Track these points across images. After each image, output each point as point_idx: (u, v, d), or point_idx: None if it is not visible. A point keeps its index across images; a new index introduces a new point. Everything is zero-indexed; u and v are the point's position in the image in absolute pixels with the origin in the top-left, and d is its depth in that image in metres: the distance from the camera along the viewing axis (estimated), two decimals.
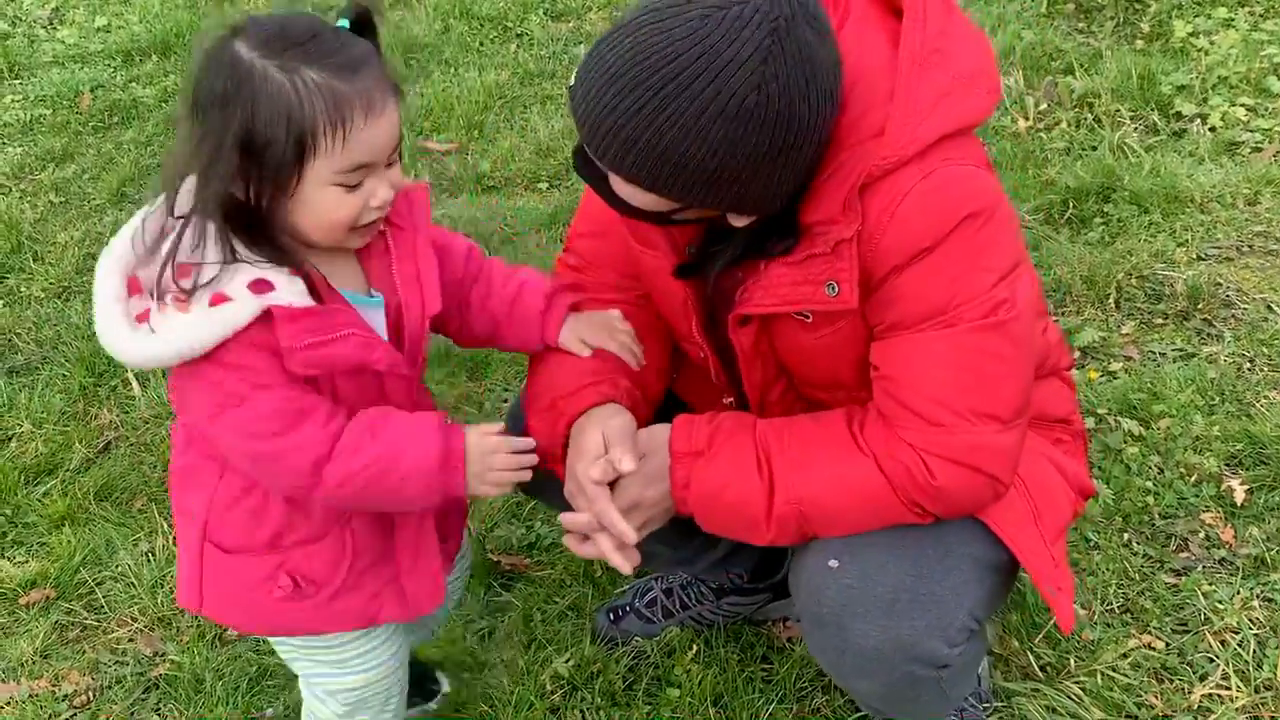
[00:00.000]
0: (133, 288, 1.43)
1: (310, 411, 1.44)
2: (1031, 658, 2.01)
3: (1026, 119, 3.60)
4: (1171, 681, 1.96)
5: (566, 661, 2.05)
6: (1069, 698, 1.93)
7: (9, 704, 2.11)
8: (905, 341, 1.48)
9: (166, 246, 1.40)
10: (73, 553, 2.40)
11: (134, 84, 4.52)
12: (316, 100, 1.35)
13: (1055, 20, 4.12)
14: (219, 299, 1.39)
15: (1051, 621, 2.05)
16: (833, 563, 1.57)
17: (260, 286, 1.40)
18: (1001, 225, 1.47)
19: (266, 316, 1.40)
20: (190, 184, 1.41)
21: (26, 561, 2.42)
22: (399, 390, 1.55)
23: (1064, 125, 3.54)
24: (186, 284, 1.39)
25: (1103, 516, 2.26)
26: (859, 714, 1.95)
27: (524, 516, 2.42)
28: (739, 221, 1.47)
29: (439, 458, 1.47)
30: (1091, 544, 2.22)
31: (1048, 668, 2.00)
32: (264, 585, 1.56)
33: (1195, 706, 1.91)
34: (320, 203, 1.41)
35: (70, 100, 4.42)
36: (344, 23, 1.42)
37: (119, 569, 2.36)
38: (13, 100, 4.49)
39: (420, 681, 2.03)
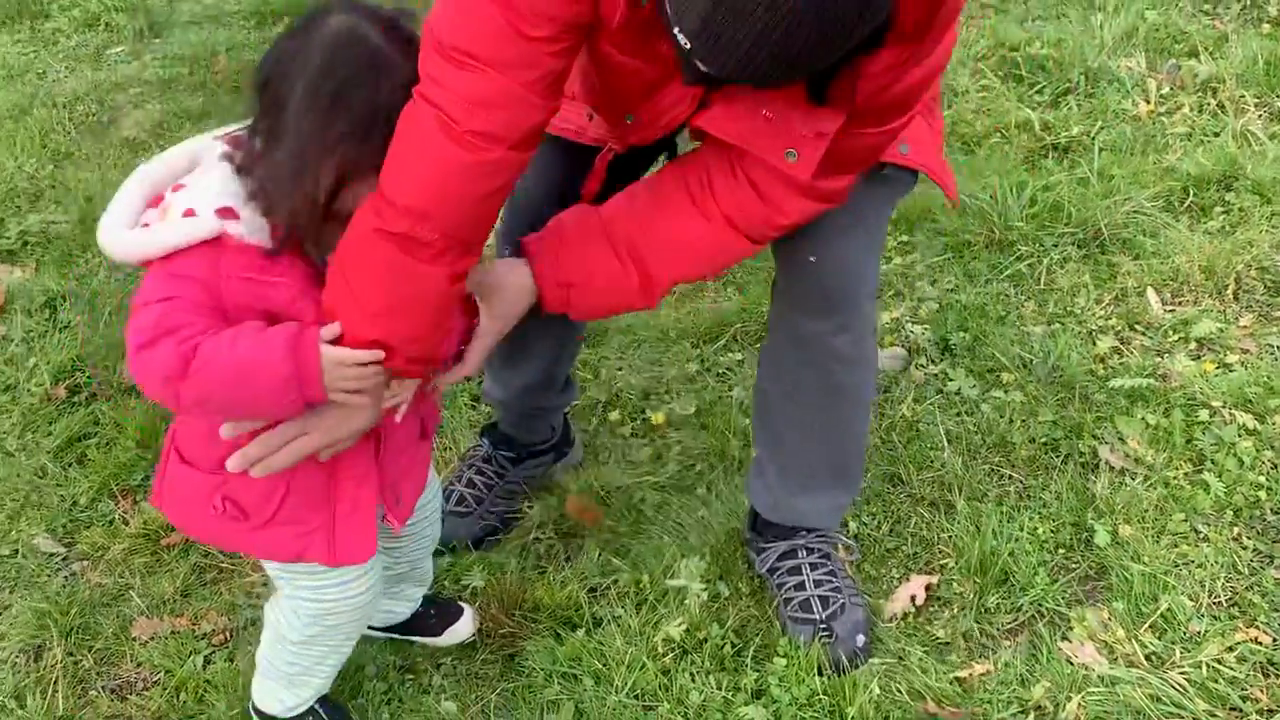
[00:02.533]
0: (154, 203, 1.57)
1: (174, 330, 1.49)
2: (1137, 646, 2.04)
3: (1148, 103, 3.57)
4: (1278, 677, 1.98)
5: (678, 625, 2.13)
6: (1173, 688, 1.96)
7: (154, 638, 2.25)
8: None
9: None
10: None
11: (267, 45, 4.64)
12: None
13: (1180, 2, 4.06)
14: (189, 213, 1.50)
15: (1159, 611, 2.09)
16: (812, 258, 1.89)
17: (225, 213, 1.50)
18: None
19: (218, 242, 1.50)
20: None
21: None
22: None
23: (1186, 110, 3.50)
24: (174, 196, 1.53)
25: (1213, 510, 2.28)
26: (961, 688, 2.00)
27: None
28: None
29: (291, 383, 1.52)
30: (1201, 536, 2.23)
31: (1152, 657, 2.03)
32: (205, 500, 1.68)
33: None
34: (354, 208, 1.54)
35: (206, 61, 4.57)
36: None
37: None
38: (152, 59, 4.65)
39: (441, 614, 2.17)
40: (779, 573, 2.18)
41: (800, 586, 2.15)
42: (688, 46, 1.38)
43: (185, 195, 1.54)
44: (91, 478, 2.65)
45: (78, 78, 4.38)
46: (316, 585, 1.79)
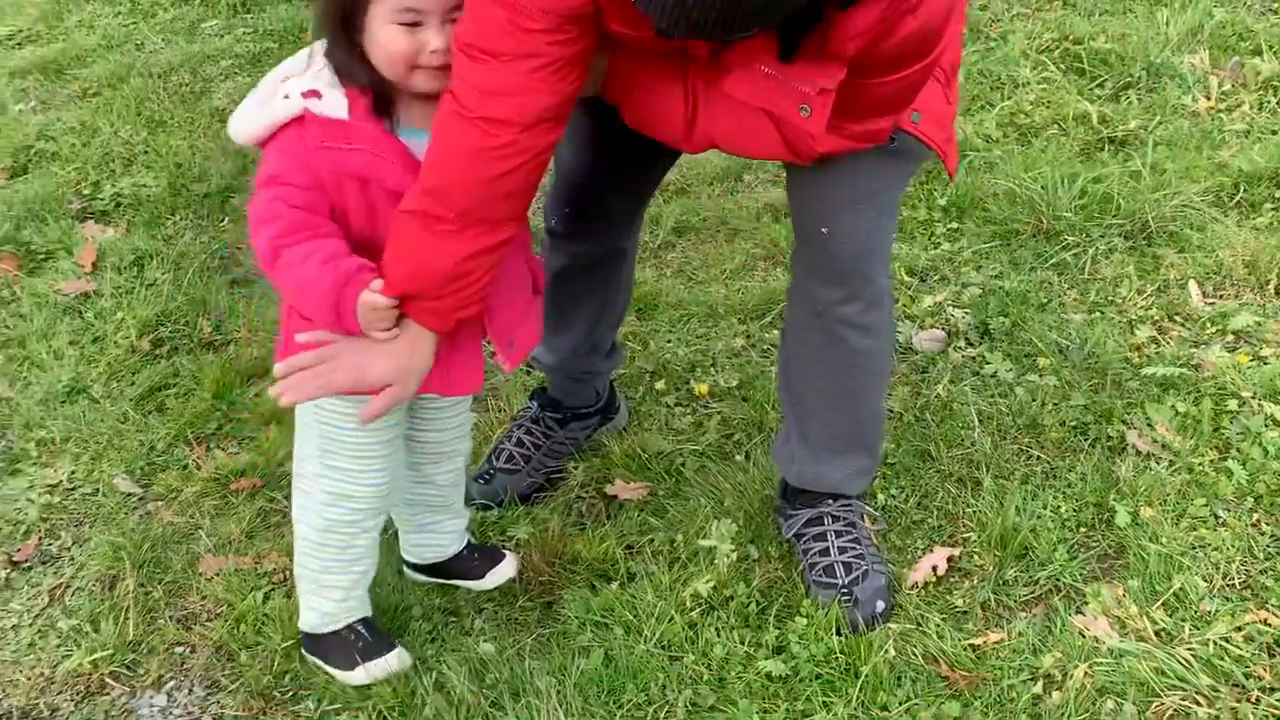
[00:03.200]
0: None
1: (272, 221, 1.80)
2: (1148, 622, 2.12)
3: (1208, 99, 3.60)
4: None
5: (706, 583, 2.24)
6: (1179, 662, 2.03)
7: (219, 574, 2.41)
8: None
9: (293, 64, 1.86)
10: (278, 448, 2.69)
11: None
12: None
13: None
14: (286, 97, 1.79)
15: (1171, 590, 2.16)
16: (824, 229, 2.01)
17: (310, 94, 1.78)
18: None
19: (303, 119, 1.78)
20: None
21: (238, 453, 2.73)
22: None
23: (1246, 107, 3.53)
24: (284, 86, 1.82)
25: (1234, 496, 2.34)
26: (975, 654, 2.10)
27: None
28: None
29: (332, 312, 1.80)
30: (1220, 521, 2.30)
31: (1162, 633, 2.10)
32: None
33: None
34: (383, 39, 1.76)
35: (295, 36, 4.76)
36: None
37: None
38: (244, 33, 4.85)
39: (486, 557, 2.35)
40: (805, 538, 2.29)
41: (825, 552, 2.26)
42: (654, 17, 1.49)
43: (286, 85, 1.81)
44: (169, 425, 2.83)
45: (173, 49, 4.59)
46: (343, 467, 2.01)
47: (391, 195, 1.82)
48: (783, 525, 2.34)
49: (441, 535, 2.29)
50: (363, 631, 2.14)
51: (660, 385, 2.81)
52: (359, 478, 2.02)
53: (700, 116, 1.89)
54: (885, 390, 2.27)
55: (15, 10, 5.02)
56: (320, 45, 1.84)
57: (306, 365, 1.86)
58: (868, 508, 2.37)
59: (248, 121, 1.83)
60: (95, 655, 2.26)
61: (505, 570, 2.32)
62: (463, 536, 2.31)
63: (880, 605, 2.20)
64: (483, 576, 2.31)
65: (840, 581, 2.22)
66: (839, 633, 2.15)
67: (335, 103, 1.79)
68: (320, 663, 2.17)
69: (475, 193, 1.76)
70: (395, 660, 2.14)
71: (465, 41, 1.70)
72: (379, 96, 1.81)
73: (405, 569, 2.36)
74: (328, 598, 2.13)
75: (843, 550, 2.25)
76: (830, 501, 2.29)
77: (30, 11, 4.99)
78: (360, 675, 2.12)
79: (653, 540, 2.40)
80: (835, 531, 2.28)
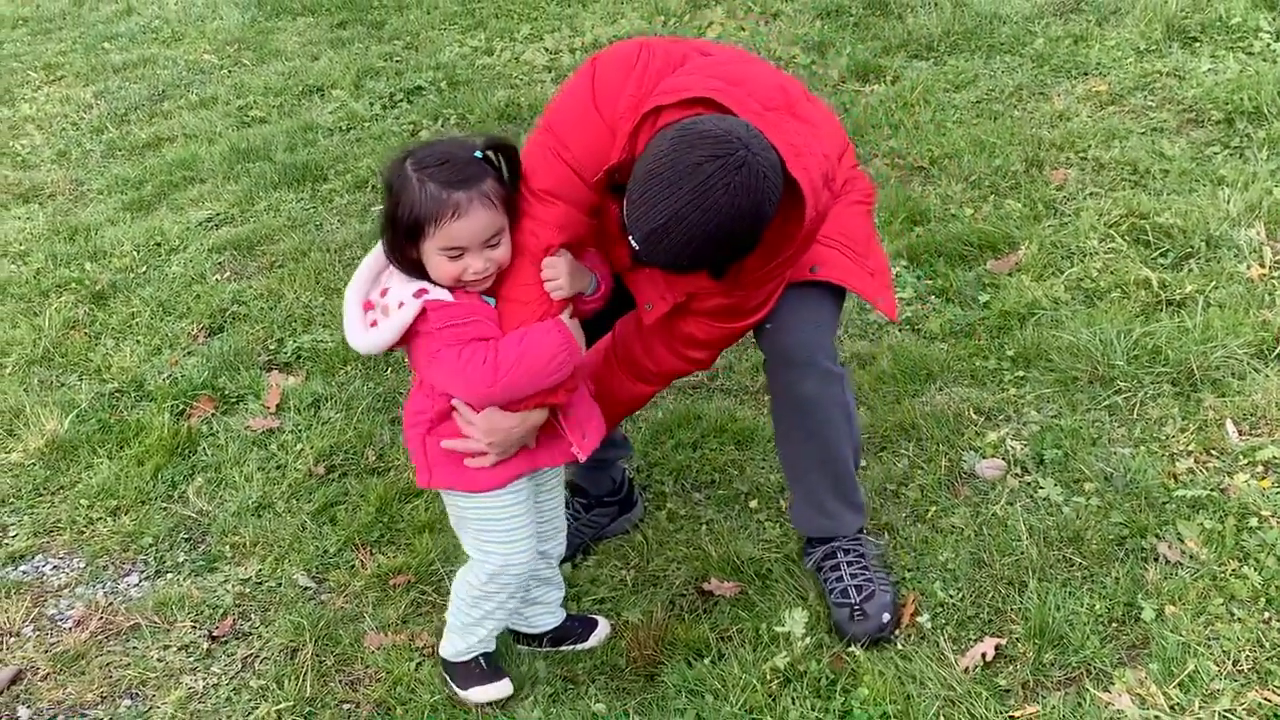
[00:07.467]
0: (366, 307, 2.38)
1: (467, 361, 2.30)
2: (1163, 697, 2.46)
3: (1262, 267, 3.97)
4: None
5: (783, 659, 2.65)
6: None
7: (379, 648, 2.91)
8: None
9: (382, 276, 2.40)
10: (429, 551, 3.20)
11: None
12: (428, 201, 2.24)
13: None
14: (401, 304, 2.30)
15: (1186, 671, 2.50)
16: (768, 325, 2.63)
17: (420, 292, 2.31)
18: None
19: (424, 314, 2.30)
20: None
21: (396, 555, 3.24)
22: None
23: None
24: (385, 299, 2.34)
25: (1249, 597, 2.67)
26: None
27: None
28: None
29: (564, 343, 2.35)
30: (1235, 617, 2.63)
31: (1175, 707, 2.44)
32: (457, 459, 2.46)
33: None
34: (433, 264, 2.30)
35: None
36: (479, 153, 2.28)
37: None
38: None
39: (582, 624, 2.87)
40: (824, 569, 2.86)
41: (839, 579, 2.81)
42: (636, 249, 2.19)
43: (391, 294, 2.35)
44: (339, 533, 3.37)
45: (347, 228, 5.29)
46: (496, 549, 2.54)
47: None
48: (806, 560, 2.91)
49: (549, 604, 2.80)
50: (484, 664, 2.69)
51: (754, 504, 3.26)
52: (508, 553, 2.55)
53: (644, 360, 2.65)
54: (846, 444, 2.80)
55: (214, 197, 5.82)
56: (372, 264, 2.41)
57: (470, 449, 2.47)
58: (870, 540, 2.93)
59: (374, 337, 2.36)
60: (279, 706, 2.77)
61: (603, 631, 2.85)
62: (563, 607, 2.82)
63: (886, 617, 2.72)
64: (587, 639, 2.82)
65: (853, 600, 2.75)
66: (894, 700, 2.53)
67: (442, 292, 2.34)
68: (447, 677, 2.71)
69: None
70: (500, 689, 2.69)
71: (536, 186, 2.39)
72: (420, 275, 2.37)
73: (519, 644, 2.84)
74: (469, 640, 2.66)
75: (854, 575, 2.80)
76: (840, 539, 2.85)
77: (227, 198, 5.78)
78: (474, 696, 2.68)
79: (741, 629, 2.82)
80: (847, 562, 2.83)
